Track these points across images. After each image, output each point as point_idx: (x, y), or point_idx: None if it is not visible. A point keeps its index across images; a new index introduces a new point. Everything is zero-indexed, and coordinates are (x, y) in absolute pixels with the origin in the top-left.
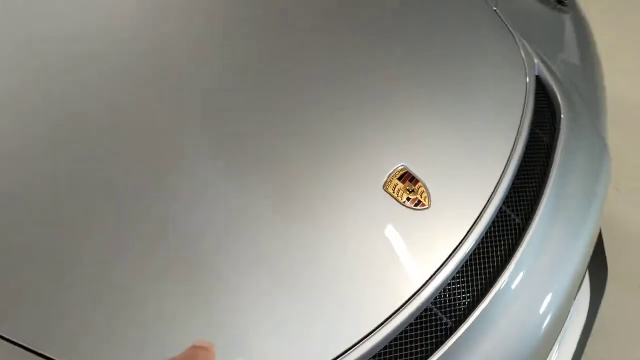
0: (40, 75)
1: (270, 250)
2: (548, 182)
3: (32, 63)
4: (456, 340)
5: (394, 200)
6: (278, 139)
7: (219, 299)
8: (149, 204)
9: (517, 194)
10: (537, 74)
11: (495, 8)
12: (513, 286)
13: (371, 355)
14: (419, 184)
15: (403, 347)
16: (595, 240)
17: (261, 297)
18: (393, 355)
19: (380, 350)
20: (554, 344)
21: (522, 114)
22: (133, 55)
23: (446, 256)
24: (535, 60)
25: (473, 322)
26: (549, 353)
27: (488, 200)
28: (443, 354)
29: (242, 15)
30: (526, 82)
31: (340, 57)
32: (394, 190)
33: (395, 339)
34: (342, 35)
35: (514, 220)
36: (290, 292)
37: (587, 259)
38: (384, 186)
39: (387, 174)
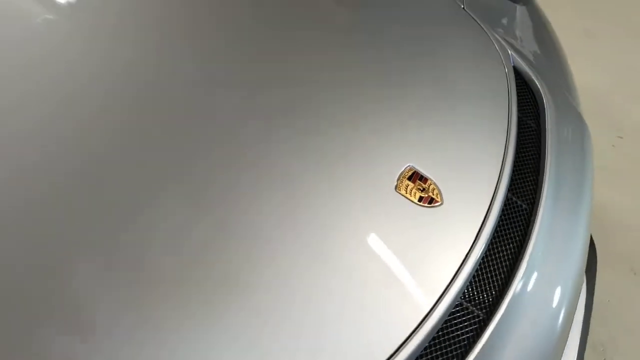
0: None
1: (294, 268)
2: (546, 165)
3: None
4: (492, 330)
5: (409, 201)
6: (282, 154)
7: (238, 315)
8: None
9: (518, 181)
10: (513, 64)
11: (463, 6)
12: (534, 270)
13: (416, 356)
14: (429, 181)
15: (443, 344)
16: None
17: (292, 312)
18: (436, 353)
19: (422, 351)
20: (573, 319)
21: (509, 103)
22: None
23: (468, 248)
24: (510, 52)
25: (504, 311)
26: (570, 330)
27: (495, 189)
28: (483, 346)
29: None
30: (506, 73)
31: (327, 65)
32: (407, 191)
33: (433, 338)
34: (327, 45)
35: (521, 206)
36: (319, 308)
37: (589, 235)
38: (396, 188)
39: (397, 176)
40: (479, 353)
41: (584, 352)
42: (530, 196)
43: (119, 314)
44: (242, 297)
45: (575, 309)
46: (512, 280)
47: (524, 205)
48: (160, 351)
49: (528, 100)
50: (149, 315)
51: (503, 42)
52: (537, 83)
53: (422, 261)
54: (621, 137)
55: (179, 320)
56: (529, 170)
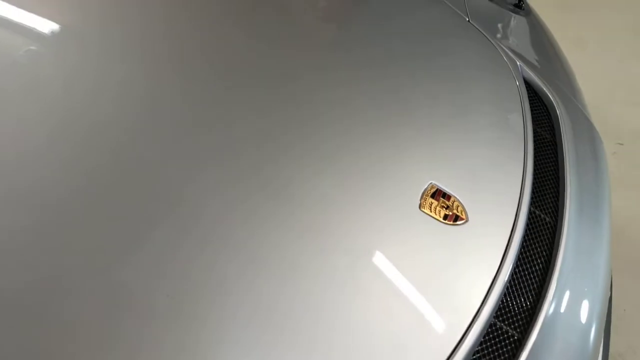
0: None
1: (323, 293)
2: (566, 177)
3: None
4: (530, 350)
5: (434, 220)
6: (300, 173)
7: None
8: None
9: (539, 194)
10: (522, 75)
11: (468, 19)
12: (564, 284)
13: None
14: (452, 198)
15: None
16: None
17: (321, 338)
18: None
19: None
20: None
21: (523, 116)
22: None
23: (497, 265)
24: (518, 63)
25: (540, 329)
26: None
27: (519, 204)
28: None
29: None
30: (517, 85)
31: (338, 83)
32: (431, 209)
33: None
34: (337, 63)
35: (544, 219)
36: (347, 339)
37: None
38: (420, 207)
39: (420, 195)
40: None
41: None
42: (553, 209)
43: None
44: (273, 334)
45: (604, 322)
46: (544, 297)
47: (547, 219)
48: None
49: (540, 111)
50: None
51: (510, 53)
52: (549, 94)
53: (453, 281)
54: (621, 144)
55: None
56: (548, 183)
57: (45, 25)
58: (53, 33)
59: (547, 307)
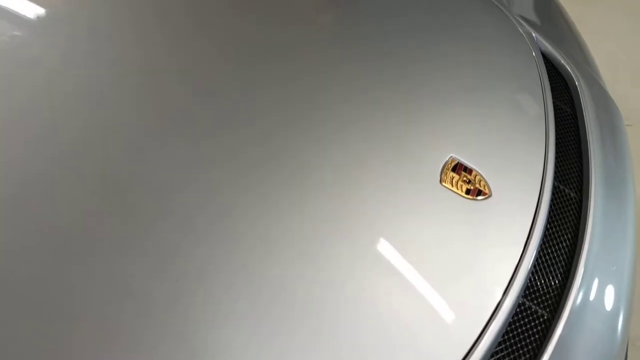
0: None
1: (349, 270)
2: (590, 151)
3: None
4: (562, 329)
5: (456, 194)
6: (316, 155)
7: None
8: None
9: (562, 168)
10: (540, 47)
11: None
12: (593, 261)
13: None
14: (474, 172)
15: (511, 347)
16: None
17: (352, 317)
18: (506, 358)
19: (489, 358)
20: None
21: (542, 88)
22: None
23: (524, 242)
24: (534, 34)
25: (571, 308)
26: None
27: (542, 178)
28: (555, 346)
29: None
30: (534, 57)
31: (355, 57)
32: (452, 184)
33: (499, 343)
34: (353, 36)
35: (569, 194)
36: (372, 321)
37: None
38: (441, 181)
39: (440, 168)
40: (552, 354)
41: (627, 348)
42: (577, 184)
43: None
44: (290, 331)
45: (632, 298)
46: (573, 275)
47: (572, 194)
48: None
49: (558, 83)
50: None
51: (525, 25)
52: (567, 66)
53: (479, 259)
54: (630, 125)
55: None
56: (570, 157)
57: (33, 9)
58: (40, 15)
59: (577, 286)
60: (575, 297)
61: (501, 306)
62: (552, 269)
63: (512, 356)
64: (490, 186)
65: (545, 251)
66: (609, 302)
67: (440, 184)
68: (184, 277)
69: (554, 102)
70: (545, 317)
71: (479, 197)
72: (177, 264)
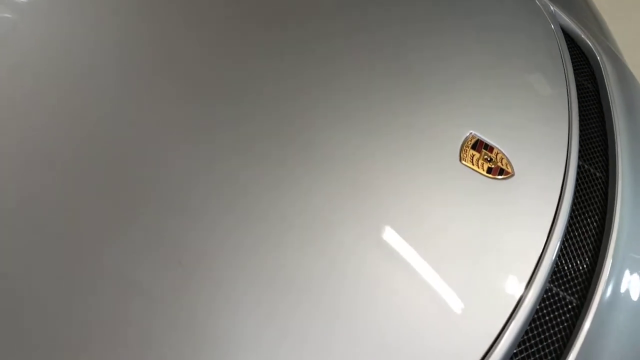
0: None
1: (371, 253)
2: (615, 128)
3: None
4: (593, 317)
5: (476, 173)
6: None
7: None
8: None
9: (586, 147)
10: (559, 22)
11: None
12: (622, 244)
13: (514, 349)
14: (495, 150)
15: (539, 336)
16: None
17: (371, 301)
18: (533, 348)
19: (516, 347)
20: None
21: (563, 63)
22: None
23: (550, 224)
24: (552, 8)
25: (601, 295)
26: None
27: (567, 157)
28: (586, 335)
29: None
30: (554, 31)
31: (371, 28)
32: (472, 162)
33: (526, 332)
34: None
35: (595, 174)
36: (399, 308)
37: None
38: (460, 159)
39: (460, 145)
40: (583, 343)
41: None
42: (602, 163)
43: None
44: (309, 301)
45: None
46: (603, 259)
47: (598, 174)
48: None
49: (579, 58)
50: None
51: None
52: (587, 40)
53: (503, 242)
54: None
55: None
56: (594, 135)
57: None
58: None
59: (607, 271)
60: (605, 282)
61: (527, 293)
62: (579, 253)
63: (540, 346)
64: (513, 165)
65: (571, 234)
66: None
67: (459, 162)
68: (187, 257)
69: (576, 78)
70: (574, 304)
71: (501, 177)
72: (179, 247)
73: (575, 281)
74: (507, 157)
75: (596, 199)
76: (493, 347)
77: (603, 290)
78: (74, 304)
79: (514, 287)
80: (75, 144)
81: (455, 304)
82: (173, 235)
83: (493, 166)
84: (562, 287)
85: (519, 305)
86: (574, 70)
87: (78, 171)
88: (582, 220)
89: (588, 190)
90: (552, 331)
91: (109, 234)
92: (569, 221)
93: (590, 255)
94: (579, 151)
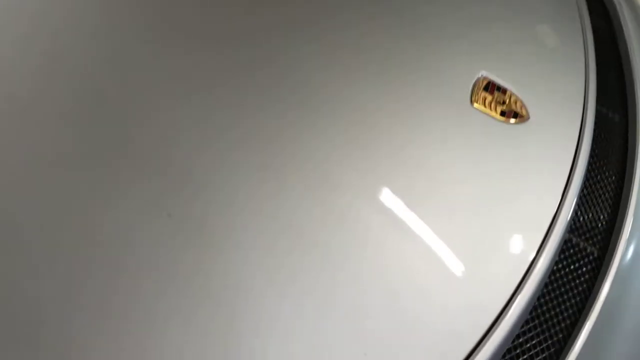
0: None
1: (375, 208)
2: (634, 69)
3: None
4: (616, 271)
5: (489, 117)
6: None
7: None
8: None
9: (604, 90)
10: None
11: None
12: None
13: (534, 302)
14: (508, 92)
15: (559, 290)
16: None
17: (386, 264)
18: (554, 302)
19: (536, 301)
20: None
21: (577, 4)
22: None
23: (568, 171)
24: None
25: (625, 245)
26: None
27: (585, 100)
28: (610, 287)
29: None
30: None
31: None
32: (485, 105)
33: (546, 284)
34: None
35: (613, 118)
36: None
37: None
38: (472, 102)
39: (471, 87)
40: (608, 294)
41: None
42: (621, 107)
43: None
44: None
45: None
46: (625, 208)
47: (617, 118)
48: None
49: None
50: None
51: None
52: None
53: (519, 189)
54: None
55: None
56: (611, 78)
57: None
58: None
59: (630, 221)
60: (628, 232)
61: (546, 243)
62: (599, 201)
63: (560, 299)
64: (528, 108)
65: (590, 181)
66: None
67: (471, 105)
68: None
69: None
70: (596, 255)
71: (515, 120)
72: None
73: (596, 231)
74: (521, 100)
75: (615, 144)
76: (513, 298)
77: (626, 240)
78: (67, 259)
79: (532, 237)
80: (67, 92)
81: (472, 256)
82: (164, 188)
83: (507, 109)
84: (582, 237)
85: (537, 257)
86: (590, 12)
87: (70, 118)
88: (602, 167)
89: (607, 136)
90: (573, 283)
91: (101, 186)
92: (587, 168)
93: (610, 203)
94: (597, 94)
